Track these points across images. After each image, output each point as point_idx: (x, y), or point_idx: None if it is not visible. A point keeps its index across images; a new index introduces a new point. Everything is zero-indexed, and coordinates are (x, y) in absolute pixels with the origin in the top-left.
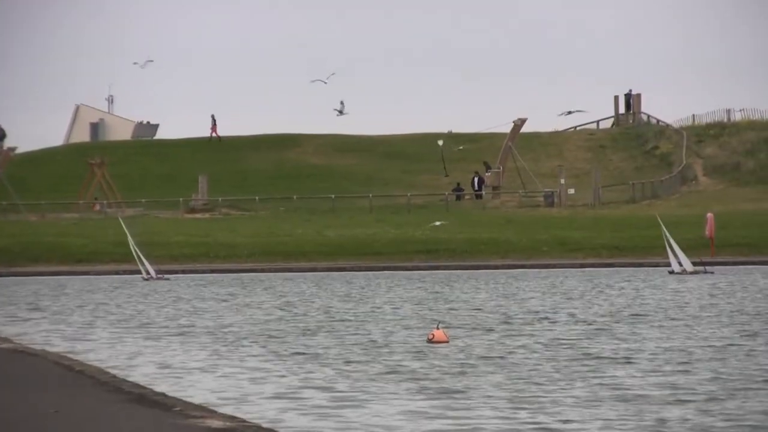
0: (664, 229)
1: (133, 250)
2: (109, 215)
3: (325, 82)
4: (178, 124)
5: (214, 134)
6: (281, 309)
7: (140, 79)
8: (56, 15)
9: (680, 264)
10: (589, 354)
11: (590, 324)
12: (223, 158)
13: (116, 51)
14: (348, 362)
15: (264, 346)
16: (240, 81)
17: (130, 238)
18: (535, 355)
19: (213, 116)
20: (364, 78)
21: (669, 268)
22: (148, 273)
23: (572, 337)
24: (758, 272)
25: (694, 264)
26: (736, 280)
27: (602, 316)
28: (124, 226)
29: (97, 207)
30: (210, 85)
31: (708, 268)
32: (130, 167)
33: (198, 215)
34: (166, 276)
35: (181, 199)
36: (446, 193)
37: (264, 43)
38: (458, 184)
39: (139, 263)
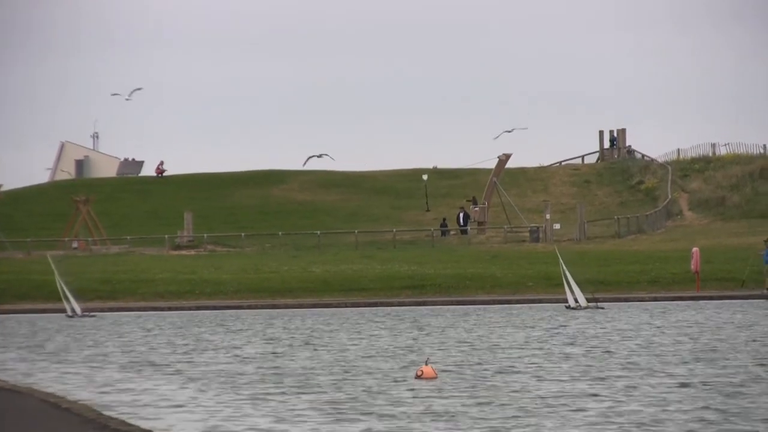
0: (562, 264)
1: (59, 287)
2: (94, 253)
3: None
4: (165, 159)
5: (160, 171)
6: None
7: (125, 116)
8: (40, 49)
9: (576, 300)
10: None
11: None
12: (209, 195)
13: (101, 88)
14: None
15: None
16: (225, 117)
17: (57, 276)
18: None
19: (161, 163)
20: (349, 112)
21: (566, 303)
22: (73, 310)
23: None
24: (656, 309)
25: (588, 299)
26: (620, 318)
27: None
28: (52, 264)
29: (75, 244)
30: (196, 120)
31: (599, 303)
32: (115, 204)
33: (183, 252)
34: (92, 313)
35: (166, 236)
36: (432, 229)
37: (250, 78)
38: (444, 219)
39: (65, 301)
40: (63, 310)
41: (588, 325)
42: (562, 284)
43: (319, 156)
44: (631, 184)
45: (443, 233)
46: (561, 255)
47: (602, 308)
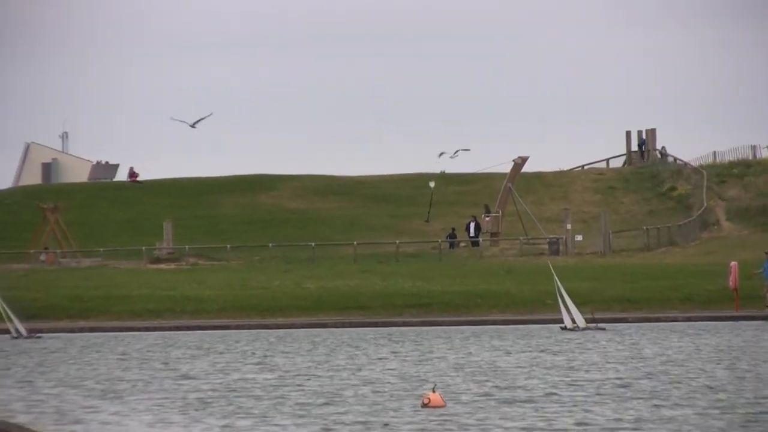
0: (557, 279)
1: (0, 307)
2: (63, 266)
3: (193, 126)
4: (140, 165)
5: (135, 179)
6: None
7: (98, 115)
8: (2, 41)
9: (573, 320)
10: None
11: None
12: (191, 202)
13: (71, 83)
14: None
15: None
16: (210, 119)
17: None
18: None
19: (132, 169)
20: (347, 111)
21: (561, 324)
22: (17, 331)
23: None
24: (668, 331)
25: (587, 320)
26: (622, 340)
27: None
28: None
29: (42, 257)
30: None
31: (600, 324)
32: (87, 212)
33: (163, 266)
34: (38, 335)
35: (143, 248)
36: (439, 240)
37: (236, 75)
38: (453, 229)
39: (7, 321)
40: (7, 331)
41: (582, 350)
42: (583, 303)
43: (455, 154)
44: (662, 191)
45: (451, 245)
46: (583, 270)
47: (603, 329)
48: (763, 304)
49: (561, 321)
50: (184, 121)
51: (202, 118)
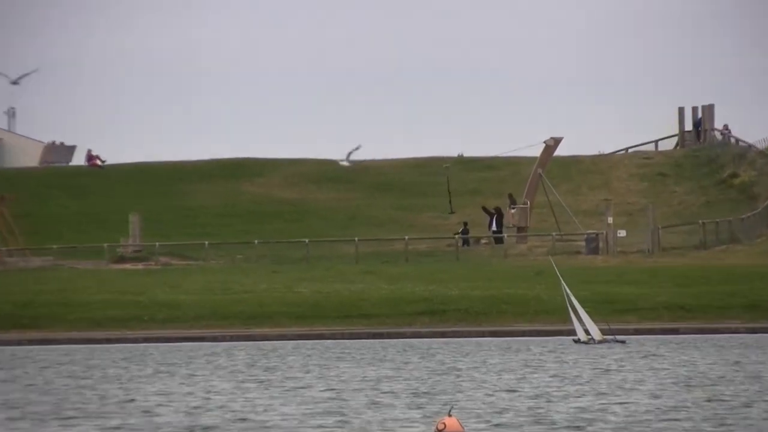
0: (563, 282)
1: None
2: (10, 267)
3: None
4: (101, 147)
5: (96, 163)
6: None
7: (51, 89)
8: None
9: (587, 332)
10: None
11: None
12: (162, 191)
13: (19, 47)
14: None
15: None
16: (183, 90)
17: None
18: None
19: (90, 152)
20: (347, 86)
21: (574, 337)
22: None
23: None
24: (688, 346)
25: (603, 331)
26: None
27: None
28: None
29: None
30: (146, 94)
31: (619, 336)
32: (38, 203)
33: (128, 266)
34: None
35: (105, 245)
36: (456, 236)
37: (218, 43)
38: (465, 224)
39: None
40: None
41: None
42: (627, 310)
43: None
44: (721, 178)
45: (465, 242)
46: (627, 272)
47: (623, 342)
48: None
49: (603, 332)
50: (4, 75)
51: (26, 74)
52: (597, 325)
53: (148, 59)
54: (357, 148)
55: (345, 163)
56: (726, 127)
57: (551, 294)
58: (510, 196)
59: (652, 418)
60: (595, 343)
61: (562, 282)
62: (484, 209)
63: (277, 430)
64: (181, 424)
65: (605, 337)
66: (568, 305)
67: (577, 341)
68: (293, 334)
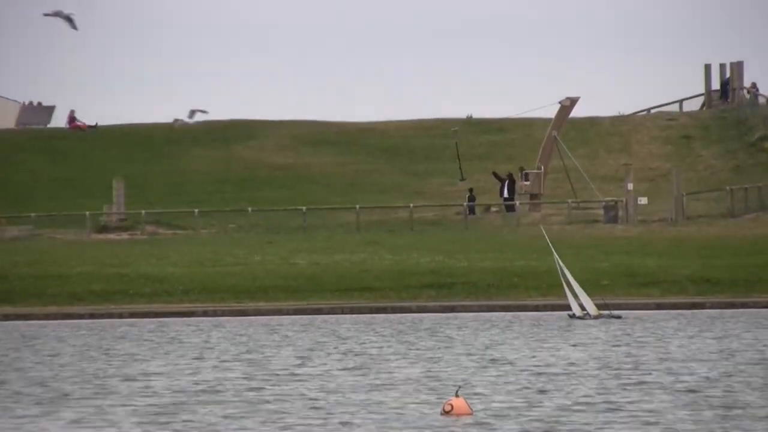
0: (556, 255)
1: None
2: None
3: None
4: (83, 108)
5: (81, 126)
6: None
7: (27, 44)
8: None
9: (582, 307)
10: None
11: None
12: (148, 156)
13: None
14: None
15: None
16: (170, 47)
17: None
18: None
19: (72, 112)
20: (348, 41)
21: (569, 312)
22: None
23: None
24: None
25: (598, 306)
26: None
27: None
28: None
29: None
30: (129, 52)
31: (614, 312)
32: (15, 168)
33: (112, 236)
34: None
35: (87, 213)
36: (464, 203)
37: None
38: (471, 191)
39: None
40: None
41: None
42: (649, 284)
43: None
44: (751, 141)
45: (470, 210)
46: (649, 242)
47: (618, 317)
48: None
49: (617, 307)
50: (182, 119)
51: (198, 112)
52: (593, 300)
53: (134, 13)
54: (203, 112)
55: (187, 121)
56: (754, 85)
57: (567, 266)
58: (522, 170)
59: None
60: (590, 318)
61: (555, 254)
62: (495, 175)
63: None
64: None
65: (601, 312)
66: (562, 279)
67: (572, 316)
68: (289, 309)
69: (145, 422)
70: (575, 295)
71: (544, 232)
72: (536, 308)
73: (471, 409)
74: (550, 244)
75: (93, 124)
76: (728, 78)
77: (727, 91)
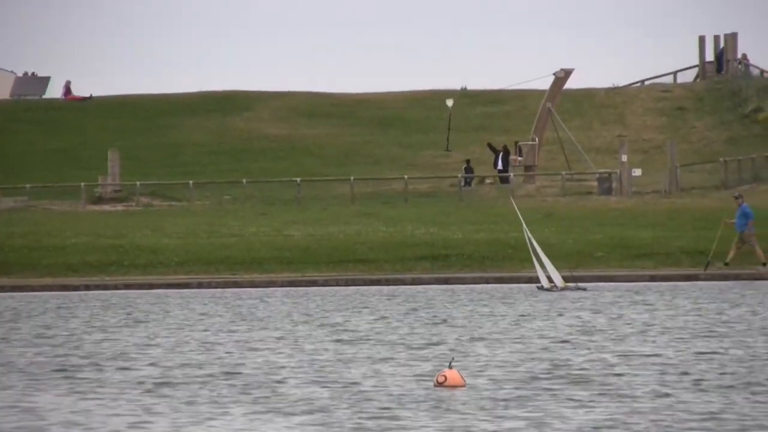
0: (525, 225)
1: None
2: None
3: None
4: (79, 77)
5: (77, 98)
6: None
7: (23, 14)
8: None
9: (549, 278)
10: None
11: None
12: (143, 126)
13: None
14: None
15: None
16: (166, 18)
17: None
18: None
19: (68, 83)
20: (340, 12)
21: (537, 284)
22: None
23: None
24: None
25: (565, 278)
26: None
27: None
28: None
29: None
30: (125, 21)
31: (580, 284)
32: (9, 139)
33: (107, 207)
34: None
35: (82, 184)
36: (459, 175)
37: None
38: (468, 162)
39: None
40: None
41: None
42: (643, 255)
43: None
44: (745, 113)
45: (467, 182)
46: (643, 214)
47: (584, 289)
48: (726, 257)
49: (612, 279)
50: None
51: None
52: (559, 273)
53: None
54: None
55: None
56: (744, 56)
57: (561, 238)
58: (516, 144)
59: None
60: (557, 290)
61: (524, 226)
62: (490, 146)
63: None
64: None
65: (567, 284)
66: (531, 251)
67: (541, 288)
68: (283, 281)
69: None
70: (543, 267)
71: (514, 204)
72: (530, 280)
73: (464, 381)
74: (520, 217)
75: (87, 95)
76: (722, 49)
77: (721, 62)
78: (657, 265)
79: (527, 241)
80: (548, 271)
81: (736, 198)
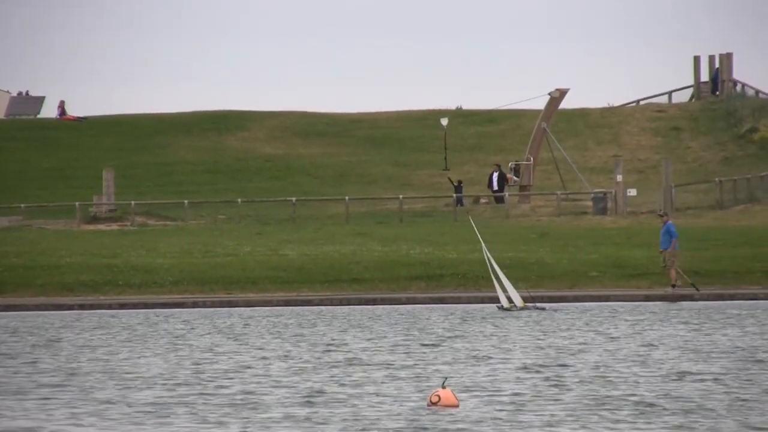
0: (484, 245)
1: None
2: None
3: None
4: (74, 97)
5: (71, 119)
6: None
7: (17, 34)
8: None
9: (509, 299)
10: None
11: None
12: (138, 145)
13: None
14: None
15: None
16: (160, 37)
17: None
18: None
19: (62, 103)
20: (336, 32)
21: (498, 304)
22: None
23: None
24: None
25: (524, 299)
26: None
27: None
28: None
29: None
30: (120, 42)
31: (538, 304)
32: (4, 158)
33: (102, 227)
34: None
35: (77, 203)
36: (454, 195)
37: None
38: (459, 182)
39: None
40: None
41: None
42: (638, 275)
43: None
44: (740, 133)
45: (458, 201)
46: (638, 233)
47: (543, 309)
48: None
49: (608, 299)
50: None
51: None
52: (518, 293)
53: (124, 3)
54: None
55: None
56: (735, 82)
57: (556, 257)
58: (513, 165)
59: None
60: (517, 309)
61: (483, 245)
62: (450, 180)
63: None
64: None
65: (526, 304)
66: (491, 271)
67: (501, 308)
68: (278, 300)
69: None
70: (503, 288)
71: (472, 222)
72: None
73: (458, 401)
74: (479, 236)
75: (82, 117)
76: (718, 69)
77: (716, 82)
78: (652, 284)
79: (486, 260)
80: (508, 291)
81: (662, 216)
